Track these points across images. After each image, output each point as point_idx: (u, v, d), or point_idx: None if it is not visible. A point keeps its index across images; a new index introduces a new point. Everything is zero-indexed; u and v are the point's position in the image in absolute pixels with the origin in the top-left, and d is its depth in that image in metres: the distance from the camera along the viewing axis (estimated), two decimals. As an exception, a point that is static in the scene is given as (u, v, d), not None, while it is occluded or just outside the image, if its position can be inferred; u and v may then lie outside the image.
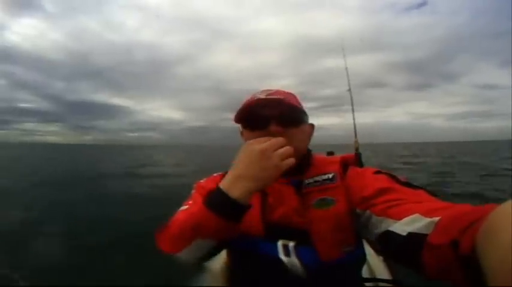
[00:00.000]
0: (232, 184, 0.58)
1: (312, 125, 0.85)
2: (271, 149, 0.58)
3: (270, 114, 0.72)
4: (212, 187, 0.82)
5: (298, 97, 0.82)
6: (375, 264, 1.35)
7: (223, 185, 0.59)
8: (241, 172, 0.58)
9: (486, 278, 0.27)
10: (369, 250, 1.33)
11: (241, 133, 0.83)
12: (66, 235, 4.06)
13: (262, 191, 0.76)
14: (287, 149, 0.60)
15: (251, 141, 0.61)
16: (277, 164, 0.57)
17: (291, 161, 0.59)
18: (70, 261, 3.19)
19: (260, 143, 0.59)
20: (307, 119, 0.81)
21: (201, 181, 0.89)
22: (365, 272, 1.27)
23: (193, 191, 0.84)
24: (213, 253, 0.67)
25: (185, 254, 0.63)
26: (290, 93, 0.80)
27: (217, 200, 0.58)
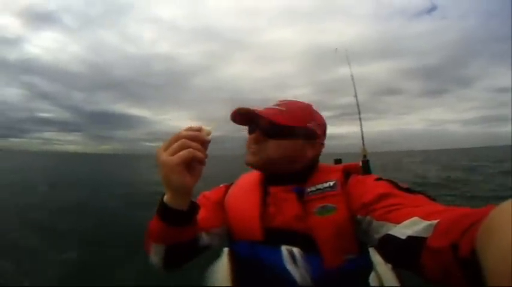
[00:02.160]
0: (165, 193, 0.60)
1: (318, 143, 0.83)
2: (160, 149, 0.56)
3: (257, 123, 0.79)
4: (216, 197, 0.88)
5: (311, 106, 0.84)
6: (383, 273, 1.33)
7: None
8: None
9: (485, 279, 0.26)
10: (377, 259, 1.31)
11: None
12: (83, 242, 4.14)
13: (262, 198, 0.80)
14: (176, 143, 0.55)
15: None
16: (164, 161, 0.54)
17: (187, 152, 0.54)
18: (85, 268, 3.24)
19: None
20: (296, 135, 0.78)
21: (207, 191, 0.92)
22: (372, 281, 1.25)
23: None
24: (176, 258, 0.69)
25: (151, 258, 0.68)
26: (294, 105, 0.81)
27: (159, 206, 0.61)
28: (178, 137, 0.56)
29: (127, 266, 3.26)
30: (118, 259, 3.50)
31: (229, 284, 1.00)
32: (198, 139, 0.57)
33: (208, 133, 0.59)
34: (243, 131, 0.86)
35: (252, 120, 0.80)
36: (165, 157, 0.54)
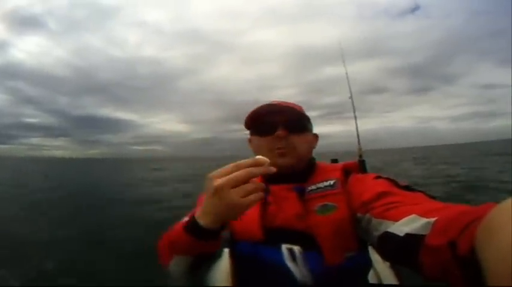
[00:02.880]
0: (202, 215, 0.58)
1: (316, 135, 0.89)
2: (227, 186, 0.51)
3: (277, 120, 0.78)
4: None
5: (303, 108, 0.87)
6: (382, 270, 1.35)
7: (197, 213, 0.59)
8: (205, 207, 0.57)
9: (486, 278, 0.26)
10: (376, 257, 1.31)
11: (249, 140, 0.88)
12: (73, 246, 4.09)
13: (263, 198, 0.79)
14: (250, 185, 0.53)
15: (214, 173, 0.54)
16: (234, 202, 0.52)
17: (258, 196, 0.54)
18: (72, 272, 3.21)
19: (218, 178, 0.53)
20: (311, 128, 0.87)
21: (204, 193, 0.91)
22: (372, 278, 1.27)
23: (197, 203, 0.87)
24: (201, 265, 0.70)
25: (171, 267, 0.68)
26: (296, 104, 0.85)
27: (191, 226, 0.59)
28: (249, 175, 0.53)
29: (125, 267, 3.24)
30: (115, 261, 3.48)
31: (230, 284, 1.00)
32: (265, 173, 0.55)
33: (269, 164, 0.57)
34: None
35: (272, 119, 0.79)
36: (236, 197, 0.51)
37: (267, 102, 0.82)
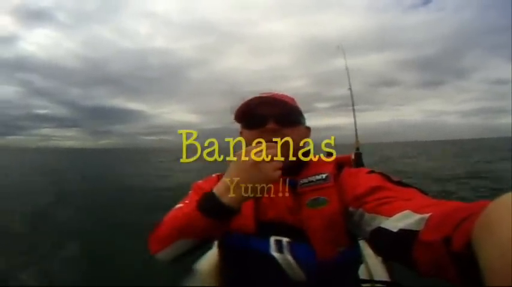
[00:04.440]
0: (225, 191, 0.59)
1: (308, 128, 0.88)
2: (265, 159, 0.57)
3: (268, 113, 0.76)
4: (209, 187, 0.83)
5: (296, 100, 0.85)
6: (373, 265, 1.34)
7: (217, 190, 0.61)
8: (234, 180, 0.58)
9: (483, 275, 0.25)
10: (368, 252, 1.33)
11: (241, 133, 0.86)
12: (85, 238, 4.17)
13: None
14: (278, 161, 0.59)
15: (245, 150, 0.59)
16: (269, 174, 0.57)
17: (279, 173, 0.59)
18: (84, 265, 3.27)
19: (253, 153, 0.58)
20: (303, 121, 0.85)
21: (199, 181, 0.91)
22: (363, 274, 1.26)
23: (190, 191, 0.87)
24: (192, 252, 0.70)
25: (165, 254, 0.68)
26: (288, 96, 0.83)
27: (210, 204, 0.60)
28: (276, 153, 0.59)
29: (131, 257, 3.28)
30: (122, 252, 3.53)
31: (217, 275, 1.01)
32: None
33: None
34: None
35: (263, 112, 0.77)
36: (271, 170, 0.58)
37: (258, 95, 0.80)
